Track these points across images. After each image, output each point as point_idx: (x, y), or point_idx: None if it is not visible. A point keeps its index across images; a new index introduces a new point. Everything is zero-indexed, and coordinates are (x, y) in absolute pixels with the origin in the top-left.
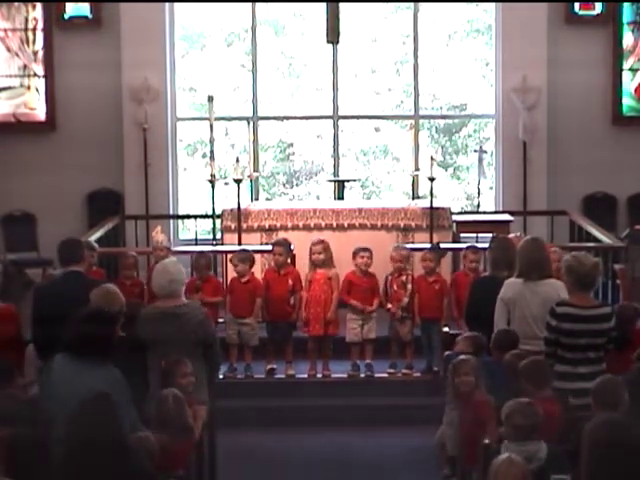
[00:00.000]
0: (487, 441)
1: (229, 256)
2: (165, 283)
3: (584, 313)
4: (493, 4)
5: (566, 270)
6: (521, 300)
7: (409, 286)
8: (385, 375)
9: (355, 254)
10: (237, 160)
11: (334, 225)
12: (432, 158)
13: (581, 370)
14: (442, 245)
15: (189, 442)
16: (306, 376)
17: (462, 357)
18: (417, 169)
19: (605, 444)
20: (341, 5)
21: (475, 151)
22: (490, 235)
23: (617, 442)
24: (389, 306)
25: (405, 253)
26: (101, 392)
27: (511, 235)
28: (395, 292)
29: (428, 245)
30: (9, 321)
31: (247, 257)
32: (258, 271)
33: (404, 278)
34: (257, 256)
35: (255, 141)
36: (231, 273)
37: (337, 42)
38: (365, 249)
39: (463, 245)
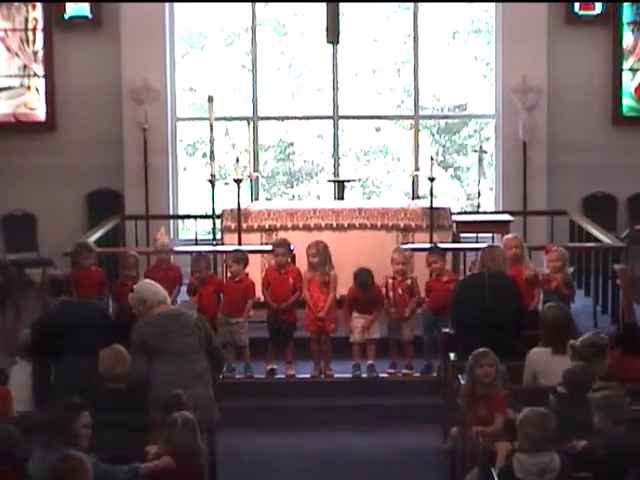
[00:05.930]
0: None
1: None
2: (150, 294)
3: None
4: (493, 4)
5: None
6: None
7: (416, 290)
8: (385, 375)
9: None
10: (237, 160)
11: (334, 225)
12: (432, 158)
13: None
14: (440, 245)
15: (200, 465)
16: (307, 376)
17: (483, 350)
18: (417, 169)
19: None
20: (341, 5)
21: (475, 151)
22: (490, 235)
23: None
24: (392, 310)
25: (407, 254)
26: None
27: (510, 235)
28: (400, 296)
29: (428, 245)
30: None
31: (241, 257)
32: (258, 271)
33: (409, 282)
34: (257, 256)
35: (255, 141)
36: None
37: (337, 42)
38: (366, 275)
39: (463, 245)
